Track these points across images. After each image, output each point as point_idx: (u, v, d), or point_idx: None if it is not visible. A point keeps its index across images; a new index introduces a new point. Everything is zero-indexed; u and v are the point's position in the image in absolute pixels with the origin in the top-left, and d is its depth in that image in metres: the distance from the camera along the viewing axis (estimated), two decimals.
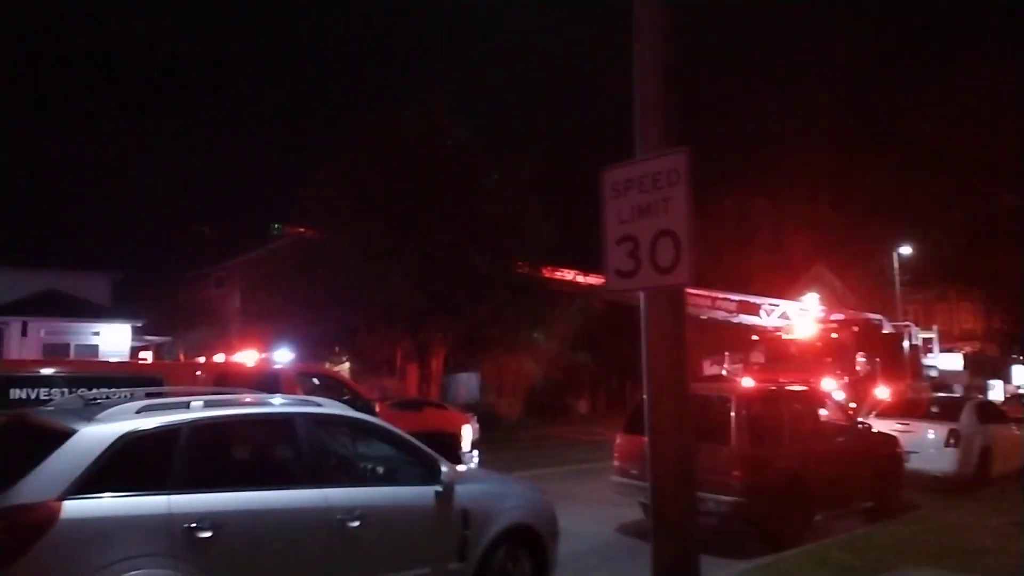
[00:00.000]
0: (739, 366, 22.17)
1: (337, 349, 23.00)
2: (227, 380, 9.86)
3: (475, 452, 12.12)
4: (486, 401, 25.29)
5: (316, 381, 11.59)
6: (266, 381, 10.01)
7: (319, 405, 5.36)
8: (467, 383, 26.25)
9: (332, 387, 11.16)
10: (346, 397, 10.47)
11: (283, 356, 15.97)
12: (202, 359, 19.21)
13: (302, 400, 5.57)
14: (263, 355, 14.99)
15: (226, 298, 30.80)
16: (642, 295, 4.34)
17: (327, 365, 21.23)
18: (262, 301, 23.02)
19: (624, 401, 28.18)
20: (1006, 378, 27.22)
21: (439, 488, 5.29)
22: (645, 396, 4.37)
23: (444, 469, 5.38)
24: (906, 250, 36.56)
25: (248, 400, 5.34)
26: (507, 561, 5.66)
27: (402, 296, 19.04)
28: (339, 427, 5.68)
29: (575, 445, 19.00)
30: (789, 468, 8.65)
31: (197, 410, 4.66)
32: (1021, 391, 25.24)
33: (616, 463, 9.53)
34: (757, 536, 8.31)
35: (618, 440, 9.62)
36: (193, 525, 4.19)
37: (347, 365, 24.18)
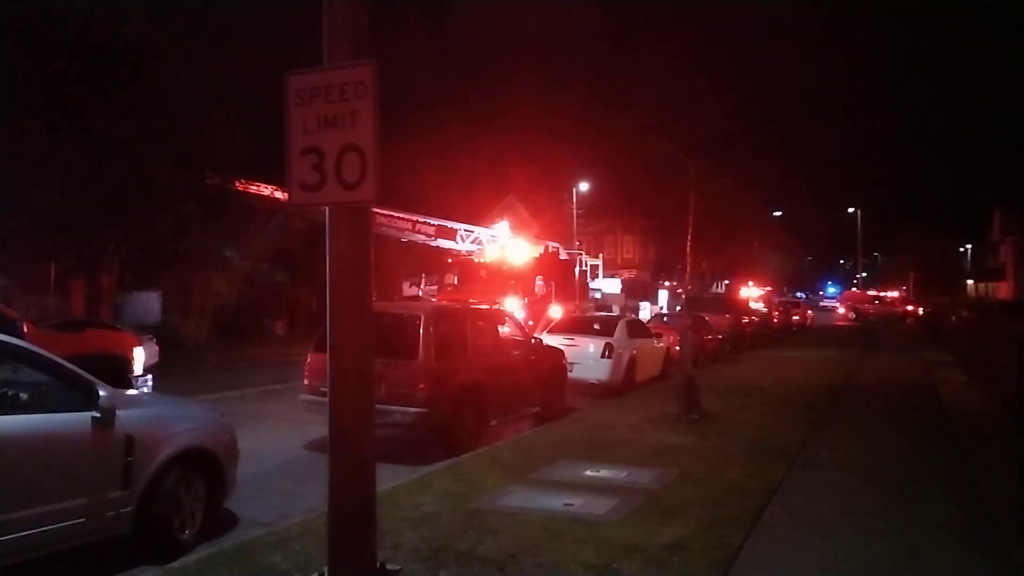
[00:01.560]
0: (435, 287, 23.10)
1: None
2: None
3: (149, 376, 11.21)
4: (170, 322, 23.34)
5: None
6: None
7: None
8: (147, 303, 23.93)
9: None
10: None
11: None
12: None
13: None
14: None
15: None
16: (327, 210, 4.27)
17: None
18: None
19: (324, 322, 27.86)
20: (654, 300, 31.82)
21: (96, 414, 4.83)
22: (328, 312, 4.36)
23: (103, 393, 4.90)
24: (584, 186, 40.54)
25: None
26: (179, 485, 5.41)
27: (62, 202, 16.57)
28: None
29: (269, 367, 18.48)
30: (469, 380, 9.33)
31: None
32: (663, 311, 29.73)
33: (305, 382, 9.50)
34: (438, 443, 8.90)
35: (308, 358, 9.57)
36: None
37: None
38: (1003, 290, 47.94)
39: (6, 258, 18.86)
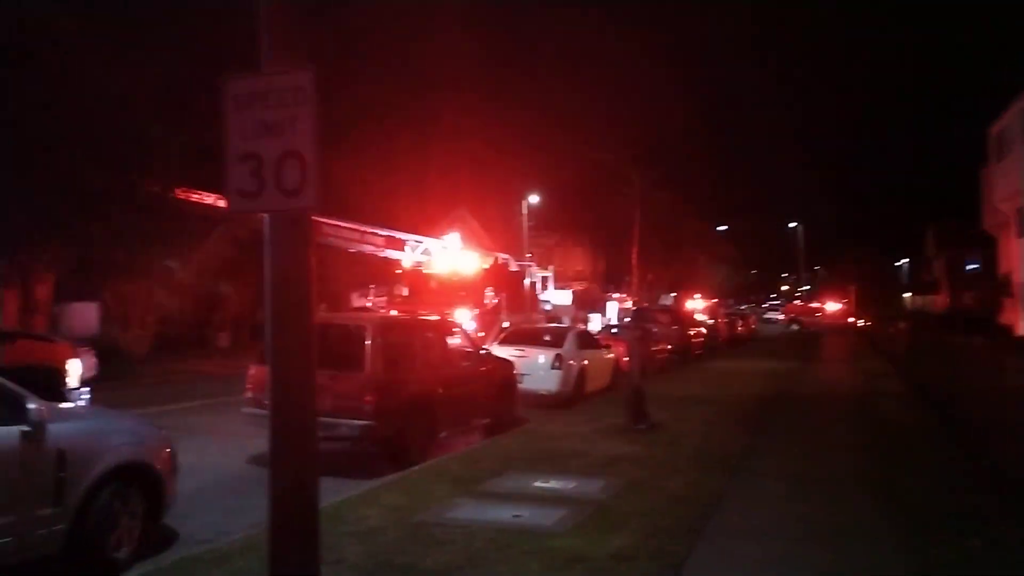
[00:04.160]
0: (384, 299, 22.88)
1: None
2: None
3: (85, 389, 10.84)
4: (109, 334, 22.59)
5: None
6: None
7: None
8: (84, 313, 23.13)
9: None
10: None
11: None
12: None
13: None
14: None
15: None
16: (267, 219, 4.20)
17: None
18: None
19: None
20: (603, 312, 32.09)
21: (26, 428, 4.64)
22: (268, 323, 4.28)
23: (32, 406, 4.72)
24: (535, 199, 40.79)
25: None
26: (114, 501, 5.23)
27: None
28: None
29: (211, 379, 18.05)
30: (417, 392, 9.26)
31: None
32: (611, 322, 30.01)
33: (248, 394, 9.29)
34: (386, 456, 8.79)
35: (251, 371, 9.37)
36: None
37: None
38: (939, 302, 49.76)
39: None
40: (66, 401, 9.14)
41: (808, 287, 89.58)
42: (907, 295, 59.78)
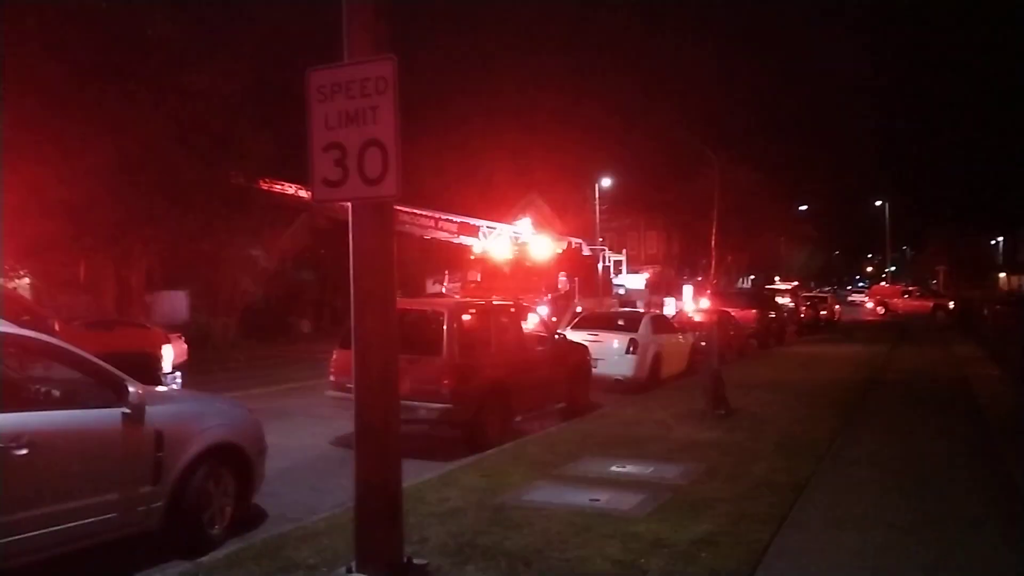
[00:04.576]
0: (458, 284, 23.16)
1: (13, 262, 19.79)
2: None
3: (178, 373, 11.35)
4: (197, 321, 23.63)
5: None
6: None
7: None
8: (175, 301, 24.26)
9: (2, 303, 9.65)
10: (25, 318, 9.10)
11: None
12: None
13: None
14: None
15: None
16: (350, 206, 4.29)
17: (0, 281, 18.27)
18: None
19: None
20: (678, 296, 31.58)
21: (126, 410, 4.89)
22: (352, 308, 4.38)
23: (132, 390, 4.97)
24: (607, 182, 40.38)
25: None
26: (208, 480, 5.46)
27: (89, 203, 16.82)
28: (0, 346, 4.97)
29: (295, 364, 18.62)
30: (493, 376, 9.33)
31: None
32: (687, 307, 29.47)
33: (332, 378, 9.57)
34: (464, 439, 8.90)
35: (334, 355, 9.64)
36: None
37: (26, 281, 21.03)
38: None
39: (37, 258, 19.21)
40: (161, 385, 9.60)
41: (894, 268, 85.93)
42: (1002, 275, 56.66)
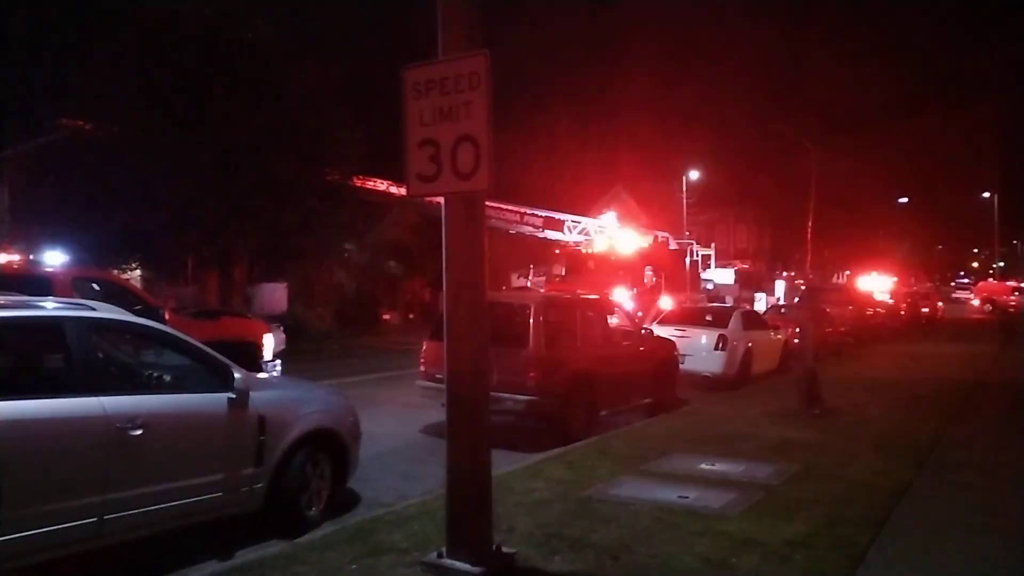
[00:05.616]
0: (543, 279, 23.22)
1: (127, 255, 21.12)
2: None
3: (277, 361, 11.84)
4: (294, 312, 24.61)
5: (96, 287, 10.64)
6: (34, 284, 9.02)
7: (93, 309, 4.95)
8: (274, 293, 25.32)
9: (115, 294, 10.28)
10: (138, 307, 9.70)
11: (55, 259, 14.37)
12: None
13: (74, 304, 5.11)
14: (30, 257, 13.41)
15: None
16: (443, 201, 4.38)
17: (115, 272, 19.52)
18: (36, 200, 20.55)
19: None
20: (770, 291, 30.72)
21: (232, 395, 5.15)
22: (444, 300, 4.47)
23: (238, 376, 5.23)
24: (694, 174, 39.57)
25: (5, 302, 4.81)
26: (306, 464, 5.69)
27: (194, 199, 17.74)
28: (117, 333, 5.32)
29: (386, 354, 19.15)
30: (579, 369, 9.33)
31: None
32: (781, 302, 28.63)
33: (422, 368, 9.79)
34: (549, 431, 8.95)
35: (424, 346, 9.85)
36: None
37: (138, 273, 22.40)
38: None
39: (148, 253, 20.41)
40: (262, 372, 10.04)
41: (1003, 263, 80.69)
42: None
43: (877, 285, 37.72)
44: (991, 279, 69.61)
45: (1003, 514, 6.02)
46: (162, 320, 8.87)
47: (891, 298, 33.71)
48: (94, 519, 4.35)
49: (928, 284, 60.76)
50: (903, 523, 5.78)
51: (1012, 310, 48.71)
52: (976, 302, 56.67)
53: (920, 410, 11.04)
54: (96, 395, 4.47)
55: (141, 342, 5.66)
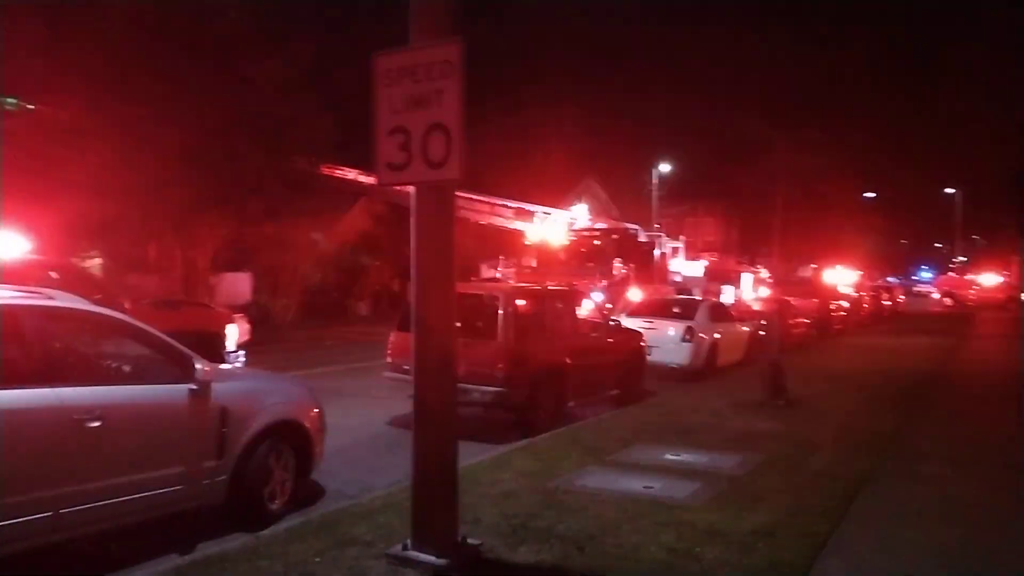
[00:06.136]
0: (512, 270, 23.18)
1: (86, 243, 20.65)
2: None
3: (241, 352, 11.68)
4: (259, 302, 24.30)
5: (54, 275, 10.35)
6: None
7: (50, 298, 4.81)
8: (237, 283, 24.96)
9: (75, 282, 10.03)
10: (97, 296, 9.47)
11: (10, 248, 13.92)
12: None
13: (29, 292, 4.96)
14: None
15: None
16: (413, 190, 4.32)
17: (74, 260, 19.07)
18: None
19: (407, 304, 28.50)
20: (737, 284, 30.98)
21: (193, 386, 5.05)
22: (412, 289, 4.42)
23: (199, 367, 5.12)
24: (664, 168, 39.79)
25: None
26: (270, 456, 5.60)
27: (158, 186, 17.39)
28: (75, 323, 5.17)
29: (353, 345, 18.98)
30: (547, 360, 9.33)
31: None
32: (745, 295, 28.90)
33: (389, 359, 9.70)
34: (517, 422, 8.94)
35: (392, 337, 9.77)
36: None
37: (98, 261, 21.91)
38: None
39: (108, 240, 19.96)
40: (225, 363, 9.88)
41: (964, 258, 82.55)
42: None
43: (842, 279, 38.36)
44: (951, 273, 71.21)
45: (963, 503, 6.15)
46: (121, 310, 8.67)
47: (855, 291, 34.28)
48: (49, 513, 4.23)
49: (892, 278, 61.96)
50: (865, 512, 5.88)
51: (971, 304, 49.92)
52: (937, 296, 57.99)
53: (882, 401, 11.25)
54: (52, 386, 4.35)
55: (100, 332, 5.51)
